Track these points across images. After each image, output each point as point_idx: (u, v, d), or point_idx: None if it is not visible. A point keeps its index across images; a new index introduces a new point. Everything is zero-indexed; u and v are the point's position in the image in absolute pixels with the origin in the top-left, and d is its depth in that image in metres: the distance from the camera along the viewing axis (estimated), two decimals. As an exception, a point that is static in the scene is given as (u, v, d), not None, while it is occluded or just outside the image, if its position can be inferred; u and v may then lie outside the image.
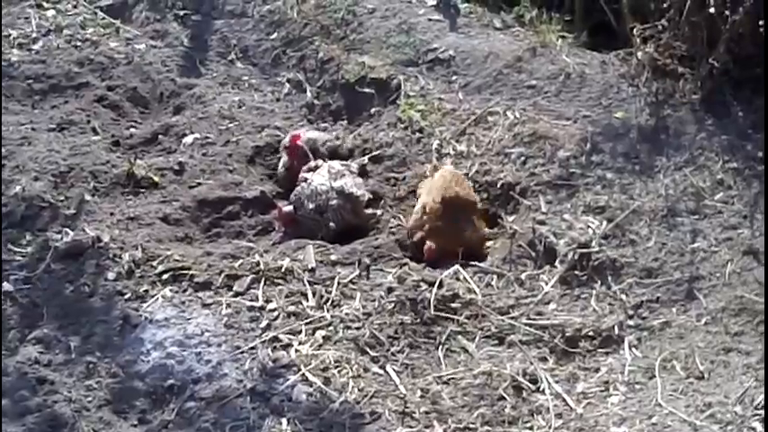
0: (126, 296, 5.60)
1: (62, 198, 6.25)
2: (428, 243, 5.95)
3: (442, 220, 5.98)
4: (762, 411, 4.77)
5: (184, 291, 5.63)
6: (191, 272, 5.70)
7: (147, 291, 5.62)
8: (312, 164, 6.51)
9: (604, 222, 5.94)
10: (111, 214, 6.20)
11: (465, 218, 6.06)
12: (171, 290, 5.62)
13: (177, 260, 5.79)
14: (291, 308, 5.51)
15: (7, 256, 5.87)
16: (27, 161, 6.51)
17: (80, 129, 7.02)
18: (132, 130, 7.13)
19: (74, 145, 6.75)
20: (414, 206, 6.22)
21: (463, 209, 6.07)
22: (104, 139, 6.93)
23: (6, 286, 5.70)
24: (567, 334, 5.40)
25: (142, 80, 7.56)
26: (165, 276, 5.70)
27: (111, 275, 5.71)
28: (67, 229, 5.99)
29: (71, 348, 5.36)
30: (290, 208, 6.24)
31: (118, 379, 5.20)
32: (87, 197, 6.30)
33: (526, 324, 5.47)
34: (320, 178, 6.34)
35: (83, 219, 6.12)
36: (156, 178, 6.53)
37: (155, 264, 5.77)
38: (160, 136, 7.00)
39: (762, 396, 4.83)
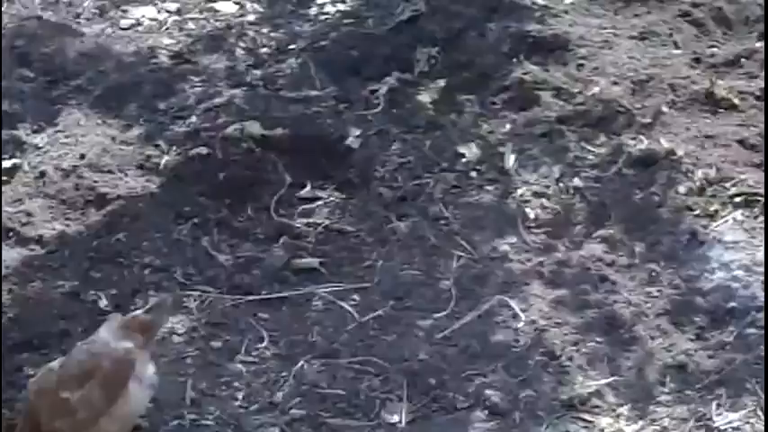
0: (695, 212, 5.57)
1: (638, 106, 6.28)
2: None
3: None
4: None
5: (755, 217, 5.52)
6: (764, 199, 5.58)
7: (716, 211, 5.56)
8: None
9: None
10: (687, 129, 6.16)
11: None
12: (742, 214, 5.53)
13: (751, 186, 5.68)
14: None
15: (580, 154, 6.02)
16: (607, 65, 6.59)
17: (662, 41, 7.00)
18: (714, 49, 7.00)
19: (654, 56, 6.75)
20: None
21: None
22: (685, 54, 6.88)
23: (576, 182, 5.85)
24: None
25: (728, 1, 7.42)
26: (737, 199, 5.62)
27: (681, 189, 5.70)
28: (642, 137, 6.04)
29: (635, 253, 5.41)
30: None
31: (679, 291, 5.18)
32: (664, 109, 6.29)
33: None
34: None
35: (658, 129, 6.13)
36: (735, 101, 6.40)
37: (727, 185, 5.70)
38: (743, 59, 6.85)
39: None
